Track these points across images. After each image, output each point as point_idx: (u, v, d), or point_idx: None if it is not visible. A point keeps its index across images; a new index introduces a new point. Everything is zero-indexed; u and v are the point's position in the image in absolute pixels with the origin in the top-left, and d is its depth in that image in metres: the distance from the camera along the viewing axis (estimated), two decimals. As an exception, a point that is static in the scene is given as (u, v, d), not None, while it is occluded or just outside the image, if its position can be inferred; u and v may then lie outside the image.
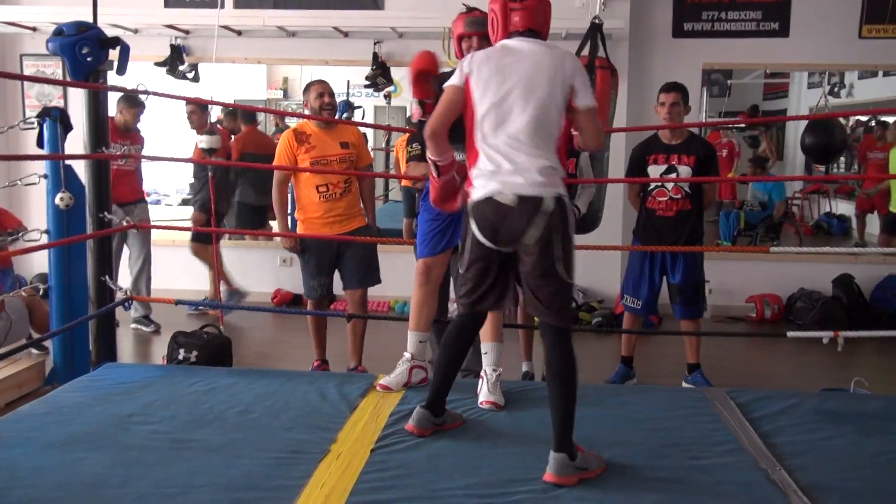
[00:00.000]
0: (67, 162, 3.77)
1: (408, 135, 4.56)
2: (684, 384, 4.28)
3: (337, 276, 4.31)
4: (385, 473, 2.39)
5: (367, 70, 6.33)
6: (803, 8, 6.04)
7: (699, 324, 4.37)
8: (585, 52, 3.82)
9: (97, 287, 3.69)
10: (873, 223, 7.72)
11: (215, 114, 7.14)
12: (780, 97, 10.32)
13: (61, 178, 3.74)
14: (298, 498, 2.23)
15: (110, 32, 3.85)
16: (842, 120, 7.12)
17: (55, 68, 6.43)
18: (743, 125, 9.19)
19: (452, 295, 4.05)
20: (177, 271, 6.07)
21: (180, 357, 4.15)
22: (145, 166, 5.80)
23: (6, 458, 2.45)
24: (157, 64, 6.25)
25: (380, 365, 3.65)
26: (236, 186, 6.27)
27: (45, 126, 3.81)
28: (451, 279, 3.87)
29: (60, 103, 6.30)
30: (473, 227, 2.52)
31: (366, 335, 4.27)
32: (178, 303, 4.10)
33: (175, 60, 6.29)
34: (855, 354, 5.06)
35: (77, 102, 3.74)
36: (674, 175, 4.15)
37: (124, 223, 4.01)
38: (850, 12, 6.01)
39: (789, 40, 6.08)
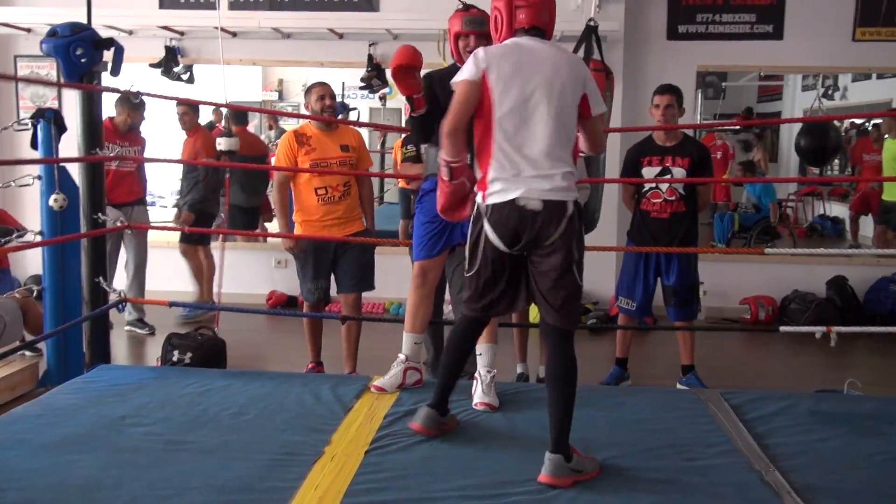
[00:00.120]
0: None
1: (404, 136, 4.56)
2: (679, 386, 4.28)
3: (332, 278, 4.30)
4: (379, 475, 2.39)
5: (362, 72, 6.33)
6: (797, 10, 6.06)
7: (693, 325, 4.38)
8: (581, 54, 3.84)
9: (91, 289, 3.68)
10: (867, 225, 7.75)
11: (208, 116, 7.16)
12: (775, 99, 10.37)
13: (55, 179, 3.73)
14: (293, 499, 2.23)
15: (105, 34, 3.84)
16: (836, 122, 7.15)
17: (49, 69, 6.41)
18: (737, 127, 9.23)
19: (447, 296, 4.05)
20: (171, 273, 6.05)
21: (174, 359, 4.15)
22: (148, 168, 5.80)
23: (-1, 460, 2.45)
24: (151, 65, 6.24)
25: (374, 366, 3.64)
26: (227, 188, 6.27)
27: (39, 127, 3.80)
28: (447, 281, 3.87)
29: (55, 104, 6.28)
30: (489, 230, 2.45)
31: (360, 336, 4.26)
32: (171, 304, 4.09)
33: (170, 62, 6.29)
34: (849, 356, 5.08)
35: (71, 104, 3.73)
36: (668, 177, 4.16)
37: (118, 224, 3.99)
38: (843, 15, 6.03)
39: (783, 43, 6.10)
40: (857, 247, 8.00)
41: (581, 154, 3.41)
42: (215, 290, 5.64)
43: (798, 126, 7.02)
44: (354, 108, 7.76)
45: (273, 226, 7.39)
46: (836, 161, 8.59)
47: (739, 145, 8.96)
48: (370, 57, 6.27)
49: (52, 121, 3.79)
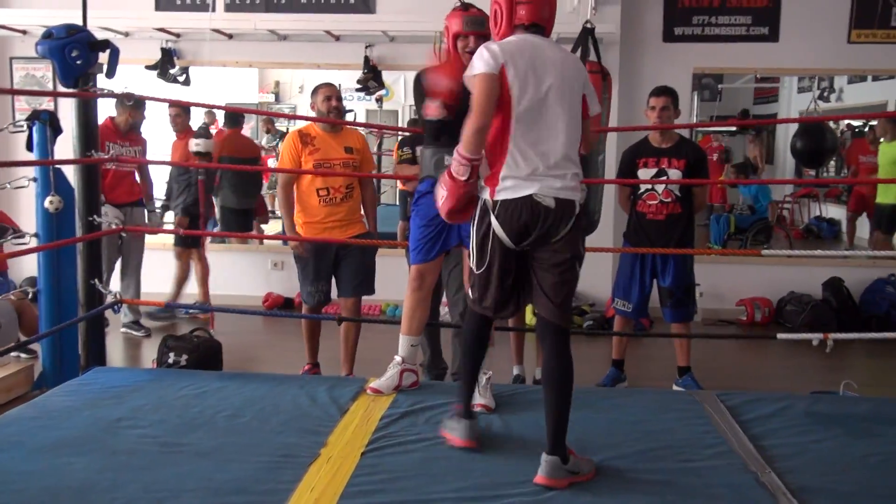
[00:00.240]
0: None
1: (401, 138, 4.56)
2: (675, 387, 4.29)
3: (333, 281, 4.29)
4: (375, 477, 2.39)
5: (358, 74, 6.33)
6: (793, 13, 6.08)
7: (689, 327, 4.38)
8: (578, 56, 3.84)
9: (86, 290, 3.67)
10: (863, 227, 7.76)
11: (201, 118, 7.14)
12: (771, 101, 10.38)
13: (51, 181, 3.72)
14: (288, 501, 2.22)
15: (100, 35, 3.83)
16: (831, 124, 7.17)
17: (45, 71, 6.41)
18: (734, 129, 9.24)
19: (444, 298, 4.05)
20: (167, 275, 6.03)
21: (170, 361, 4.14)
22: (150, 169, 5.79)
23: (-6, 463, 2.44)
24: (147, 67, 6.24)
25: (371, 368, 3.64)
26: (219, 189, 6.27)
27: (34, 129, 3.79)
28: (444, 284, 3.87)
29: (50, 106, 6.26)
30: (497, 227, 2.45)
31: (357, 338, 4.25)
32: (167, 306, 4.08)
33: (166, 64, 6.28)
34: (844, 357, 5.08)
35: (67, 105, 3.73)
36: (664, 178, 4.16)
37: (115, 223, 3.98)
38: (839, 17, 6.05)
39: (779, 45, 6.12)
40: (853, 248, 8.01)
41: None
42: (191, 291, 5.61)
43: (793, 128, 7.02)
44: (351, 111, 7.75)
45: (268, 228, 7.40)
46: (833, 162, 8.60)
47: (724, 155, 8.95)
48: (366, 59, 6.27)
49: (47, 123, 3.79)
